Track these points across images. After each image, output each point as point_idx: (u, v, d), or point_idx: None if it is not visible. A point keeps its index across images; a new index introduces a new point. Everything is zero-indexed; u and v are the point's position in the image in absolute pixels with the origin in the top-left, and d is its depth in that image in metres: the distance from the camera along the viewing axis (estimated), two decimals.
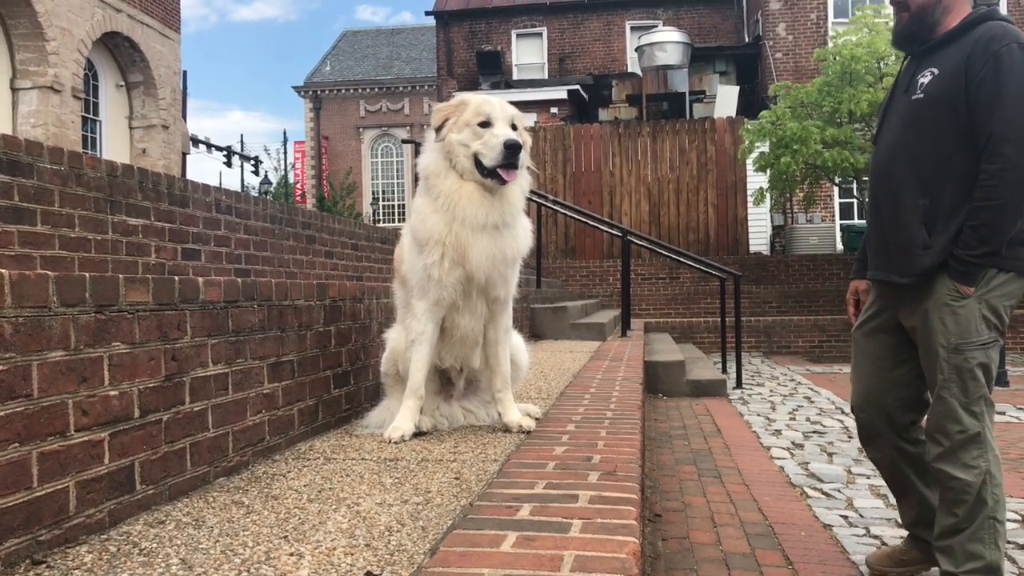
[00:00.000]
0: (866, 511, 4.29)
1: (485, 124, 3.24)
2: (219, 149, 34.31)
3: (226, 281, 2.69)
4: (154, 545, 1.92)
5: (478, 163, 3.22)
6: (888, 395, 3.10)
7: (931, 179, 2.79)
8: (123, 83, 18.11)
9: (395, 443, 3.16)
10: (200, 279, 2.55)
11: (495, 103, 3.29)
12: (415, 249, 3.30)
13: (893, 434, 3.15)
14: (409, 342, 3.36)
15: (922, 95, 2.81)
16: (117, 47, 17.54)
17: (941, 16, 2.83)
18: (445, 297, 3.27)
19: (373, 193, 40.76)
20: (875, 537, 3.86)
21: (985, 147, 2.66)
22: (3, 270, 1.81)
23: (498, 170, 3.18)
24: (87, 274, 2.05)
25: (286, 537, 1.99)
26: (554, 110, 21.99)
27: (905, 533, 3.37)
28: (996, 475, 2.77)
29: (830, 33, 19.27)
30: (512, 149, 3.17)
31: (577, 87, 22.28)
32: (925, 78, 2.82)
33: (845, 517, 4.18)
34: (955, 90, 2.72)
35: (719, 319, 10.27)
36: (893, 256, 2.90)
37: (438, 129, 3.28)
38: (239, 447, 2.73)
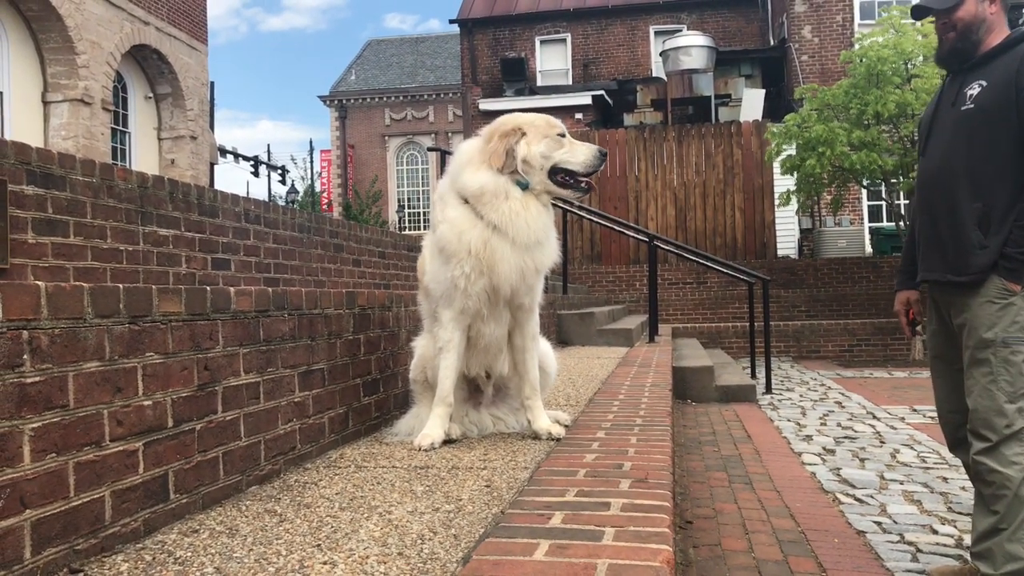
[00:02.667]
0: (900, 517, 4.24)
1: (561, 135, 3.28)
2: (246, 159, 34.59)
3: (257, 291, 2.71)
4: (188, 554, 1.94)
5: (553, 173, 3.23)
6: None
7: (985, 184, 2.89)
8: (151, 95, 18.33)
9: (425, 451, 3.16)
10: (231, 289, 2.57)
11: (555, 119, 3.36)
12: (439, 259, 3.28)
13: None
14: (437, 350, 3.36)
15: (972, 105, 2.93)
16: (145, 59, 17.77)
17: (984, 35, 2.98)
18: (470, 306, 3.26)
19: (399, 201, 40.95)
20: (909, 544, 3.81)
21: None
22: (39, 282, 1.83)
23: (589, 178, 3.26)
24: (121, 285, 2.07)
25: (319, 546, 1.99)
26: (579, 116, 21.98)
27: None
28: None
29: (856, 35, 19.13)
30: (604, 155, 3.27)
31: (602, 92, 22.26)
32: (973, 90, 2.94)
33: (879, 523, 4.13)
34: (1006, 100, 2.84)
35: (747, 324, 10.21)
36: (949, 257, 2.98)
37: (511, 154, 3.19)
38: (271, 455, 2.75)
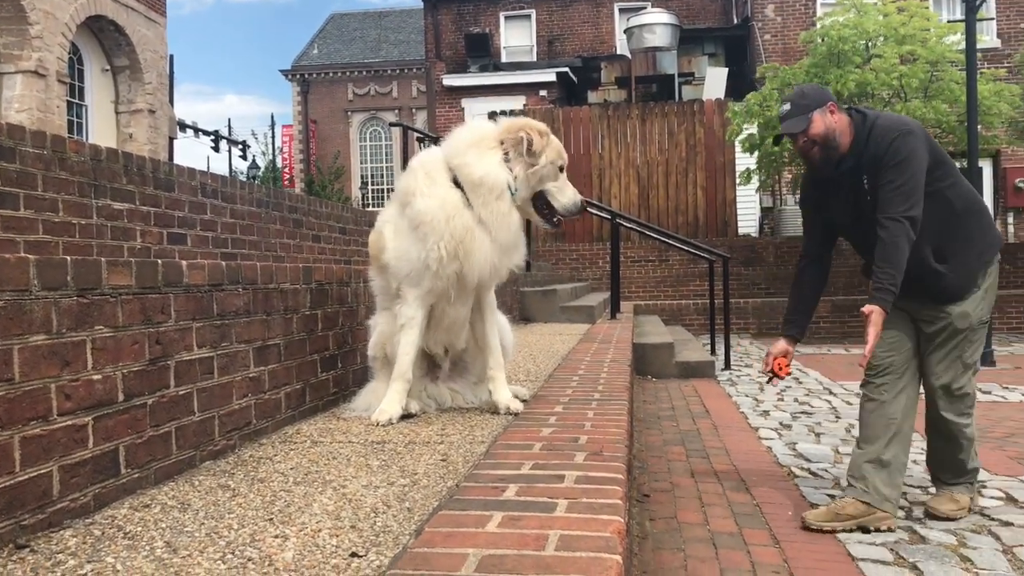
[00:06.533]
0: None
1: (561, 168, 3.32)
2: (207, 134, 34.04)
3: (210, 264, 2.67)
4: (139, 528, 1.92)
5: (538, 198, 3.29)
6: None
7: (921, 241, 3.57)
8: (108, 67, 17.95)
9: (383, 426, 3.16)
10: (184, 262, 2.54)
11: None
12: (412, 236, 3.21)
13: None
14: (399, 327, 3.33)
15: (870, 198, 3.57)
16: (102, 31, 17.37)
17: (840, 139, 3.60)
18: (438, 287, 3.25)
19: (362, 177, 40.61)
20: None
21: None
22: None
23: (563, 219, 3.36)
24: (68, 257, 2.04)
25: (271, 519, 1.99)
26: (543, 93, 21.93)
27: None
28: None
29: (818, 14, 19.23)
30: (583, 208, 3.43)
31: (566, 70, 22.21)
32: (866, 185, 3.59)
33: (832, 496, 4.20)
34: None
35: (708, 301, 10.30)
36: (936, 288, 3.64)
37: (530, 152, 3.19)
38: (225, 431, 2.73)
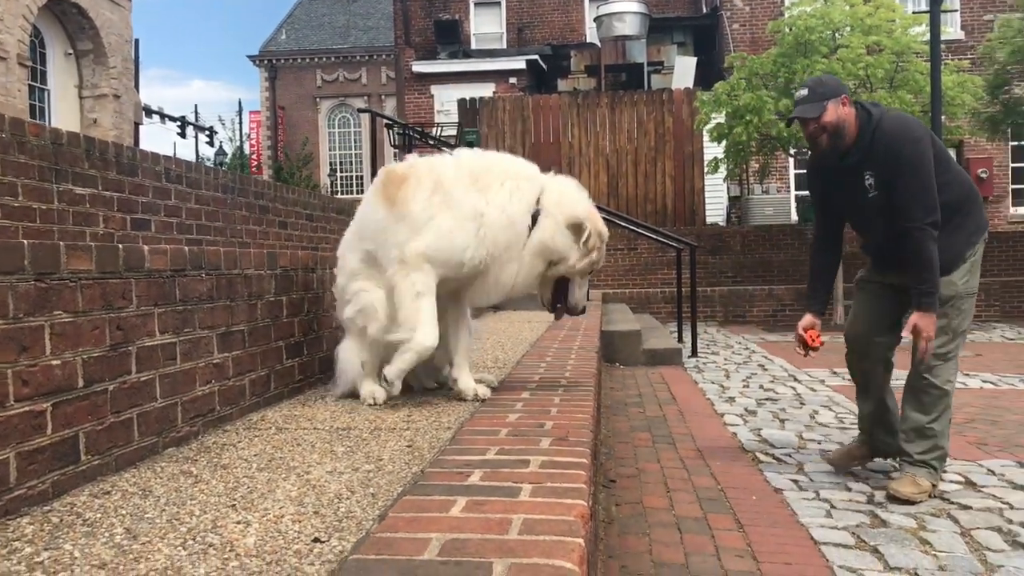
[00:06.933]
0: (816, 476, 4.36)
1: (589, 274, 3.56)
2: (173, 119, 33.62)
3: (173, 249, 2.65)
4: (98, 515, 1.90)
5: (559, 282, 3.50)
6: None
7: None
8: (72, 51, 17.67)
9: (374, 404, 3.27)
10: (146, 247, 2.51)
11: None
12: (471, 225, 3.25)
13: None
14: (415, 294, 3.23)
15: (876, 192, 3.82)
16: (65, 14, 17.09)
17: (848, 130, 3.83)
18: (448, 274, 3.29)
19: (331, 164, 40.30)
20: (824, 500, 3.93)
21: None
22: None
23: (567, 311, 3.58)
24: (25, 241, 2.01)
25: (234, 506, 1.97)
26: (513, 80, 21.88)
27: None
28: None
29: (786, 4, 19.33)
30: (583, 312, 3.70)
31: (536, 57, 22.16)
32: (870, 180, 3.83)
33: (796, 481, 4.25)
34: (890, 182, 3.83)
35: (676, 289, 10.36)
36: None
37: (586, 244, 3.37)
38: (188, 417, 2.70)
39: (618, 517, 3.73)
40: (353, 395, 3.49)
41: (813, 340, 4.12)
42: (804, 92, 3.88)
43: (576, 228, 3.33)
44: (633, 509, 3.84)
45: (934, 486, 3.90)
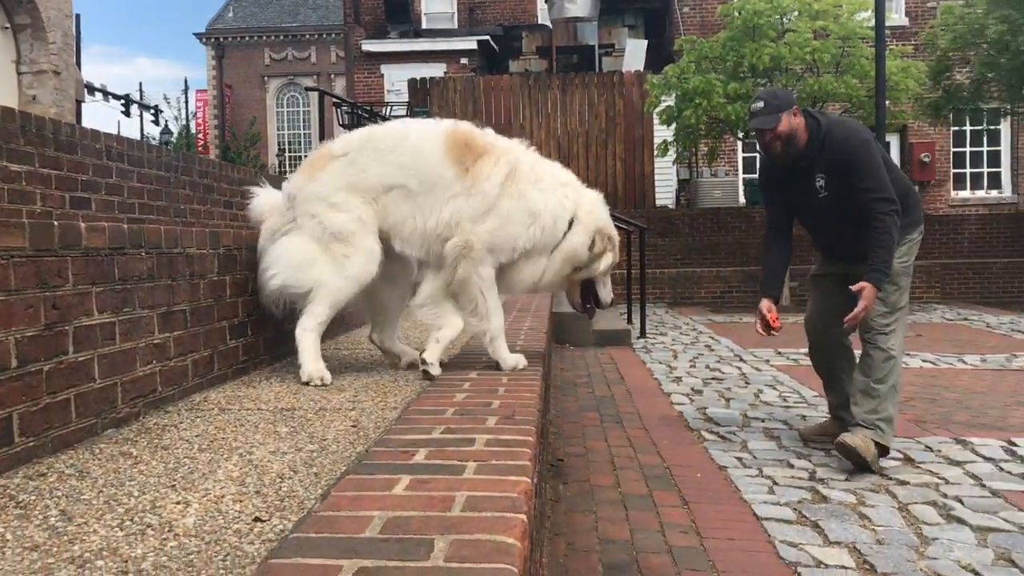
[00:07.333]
0: (759, 453, 4.44)
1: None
2: (117, 97, 32.80)
3: (111, 227, 2.59)
4: (32, 497, 1.86)
5: (587, 283, 3.79)
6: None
7: (862, 224, 4.09)
8: (8, 25, 17.11)
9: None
10: (83, 224, 2.45)
11: None
12: (536, 226, 3.52)
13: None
14: (488, 287, 3.51)
15: (827, 193, 4.18)
16: None
17: (800, 136, 4.19)
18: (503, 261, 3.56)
19: (279, 144, 39.74)
20: (767, 477, 4.00)
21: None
22: None
23: (597, 307, 3.92)
24: None
25: (174, 486, 1.94)
26: (464, 60, 21.75)
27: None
28: None
29: None
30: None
31: (487, 38, 22.04)
32: (820, 182, 4.19)
33: (740, 459, 4.32)
34: (843, 182, 4.15)
35: (625, 271, 10.43)
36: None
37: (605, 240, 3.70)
38: (129, 398, 2.65)
39: (565, 496, 3.75)
40: (340, 375, 3.58)
41: (774, 321, 4.40)
42: (760, 104, 4.21)
43: (602, 238, 3.66)
44: (580, 487, 3.88)
45: (881, 447, 4.10)
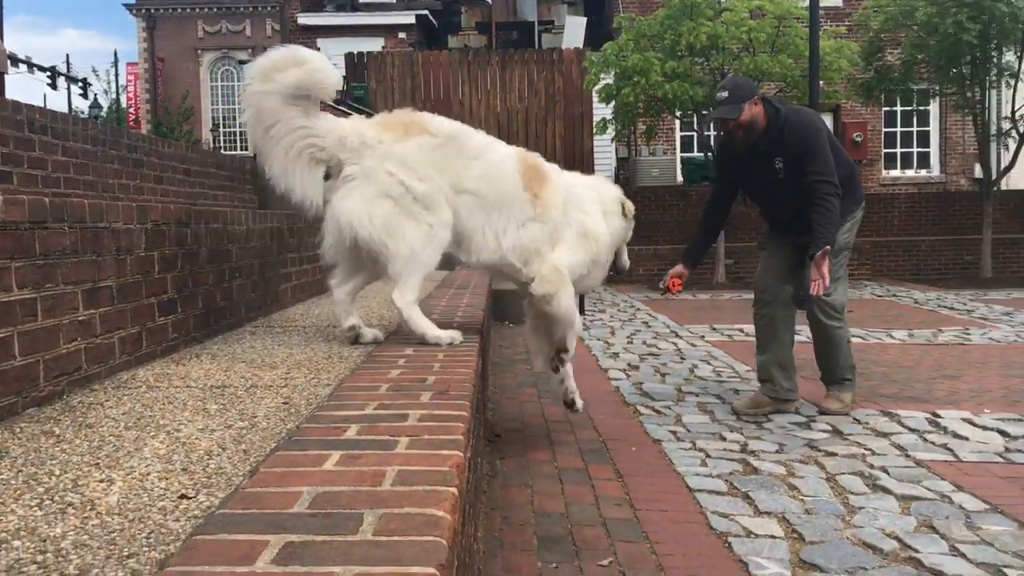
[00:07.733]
0: (693, 426, 4.51)
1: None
2: (42, 70, 31.78)
3: (31, 200, 2.50)
4: None
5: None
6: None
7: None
8: None
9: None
10: (0, 197, 2.37)
11: None
12: (585, 242, 3.80)
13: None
14: (574, 302, 3.86)
15: (783, 175, 4.55)
16: None
17: (759, 124, 4.54)
18: None
19: (213, 119, 38.93)
20: (700, 450, 4.07)
21: None
22: None
23: (617, 272, 4.22)
24: None
25: (97, 464, 1.90)
26: (402, 35, 21.53)
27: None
28: None
29: None
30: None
31: (426, 12, 21.85)
32: (779, 165, 4.54)
33: (674, 432, 4.39)
34: (796, 166, 4.52)
35: None
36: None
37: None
38: (52, 376, 2.58)
39: (502, 471, 3.77)
40: (272, 353, 3.49)
41: (674, 286, 4.76)
42: (724, 94, 4.53)
43: (629, 209, 4.02)
44: (517, 462, 3.89)
45: (852, 397, 4.83)
